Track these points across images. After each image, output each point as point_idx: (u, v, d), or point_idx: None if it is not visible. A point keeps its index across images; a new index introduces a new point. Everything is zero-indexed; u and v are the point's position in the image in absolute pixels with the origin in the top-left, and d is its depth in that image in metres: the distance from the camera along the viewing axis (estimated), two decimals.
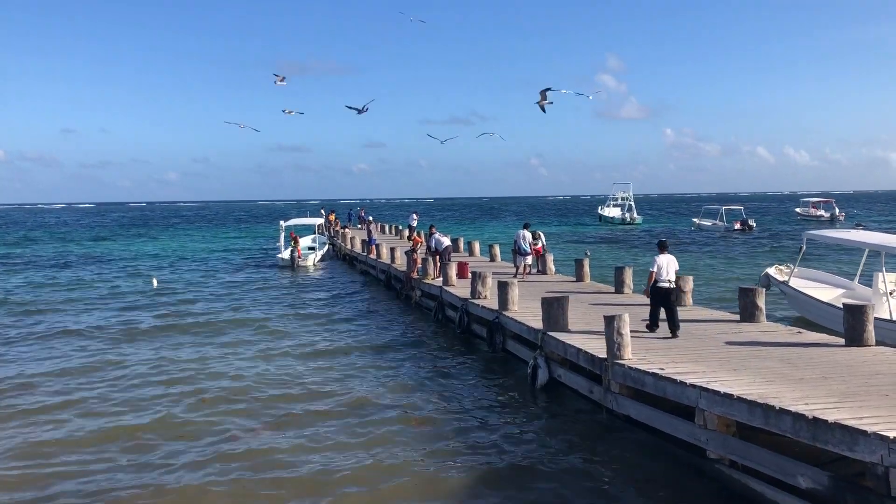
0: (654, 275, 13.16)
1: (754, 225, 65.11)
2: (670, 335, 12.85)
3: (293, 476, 9.66)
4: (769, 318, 15.09)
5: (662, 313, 13.08)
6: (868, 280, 18.74)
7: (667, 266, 13.23)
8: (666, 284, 13.20)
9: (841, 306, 12.99)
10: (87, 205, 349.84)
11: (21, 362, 16.67)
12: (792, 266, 21.00)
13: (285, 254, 38.32)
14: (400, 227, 49.89)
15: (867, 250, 18.80)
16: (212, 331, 20.57)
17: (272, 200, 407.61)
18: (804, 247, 20.37)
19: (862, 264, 19.76)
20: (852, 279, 20.01)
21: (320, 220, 49.35)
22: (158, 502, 8.96)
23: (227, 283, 32.67)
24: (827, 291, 19.06)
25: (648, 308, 13.53)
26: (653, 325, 13.57)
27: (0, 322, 22.43)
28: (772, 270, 21.28)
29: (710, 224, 68.96)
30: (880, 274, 17.35)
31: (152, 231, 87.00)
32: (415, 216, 43.70)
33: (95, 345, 18.64)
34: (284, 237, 40.25)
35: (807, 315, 18.77)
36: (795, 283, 19.75)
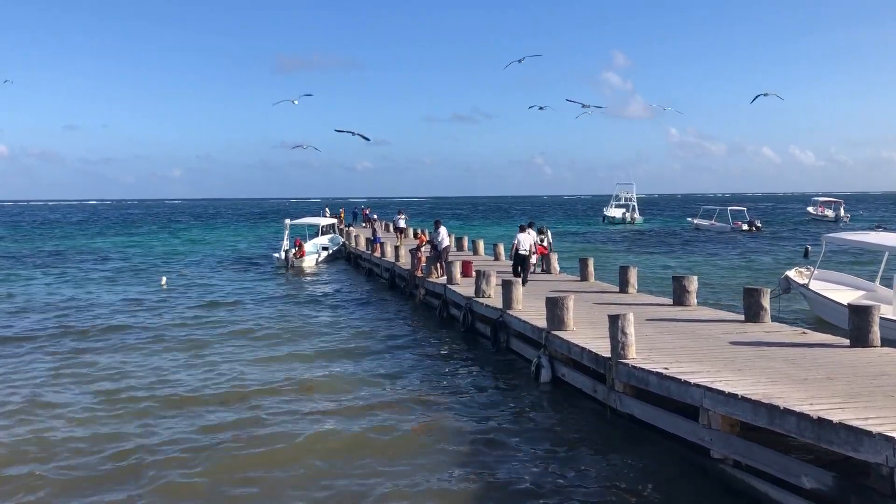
0: (515, 245, 20.44)
1: (761, 225, 64.87)
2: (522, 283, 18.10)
3: (289, 475, 9.60)
4: (789, 320, 14.97)
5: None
6: (888, 283, 18.51)
7: (524, 241, 20.43)
8: (524, 252, 20.41)
9: None
10: (106, 201, 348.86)
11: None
12: (812, 268, 20.66)
13: (282, 253, 37.69)
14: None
15: (887, 252, 18.46)
16: (209, 333, 20.07)
17: (282, 198, 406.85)
18: (823, 249, 20.11)
19: (883, 266, 19.43)
20: (873, 280, 19.66)
21: (331, 220, 48.11)
22: None
23: (225, 281, 32.70)
24: (848, 294, 18.70)
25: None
26: (515, 276, 19.58)
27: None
28: (792, 273, 20.83)
29: (707, 224, 68.70)
30: None
31: (155, 228, 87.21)
32: (401, 217, 42.06)
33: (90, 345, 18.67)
34: (289, 236, 39.71)
35: (828, 318, 18.45)
36: (815, 285, 19.39)
